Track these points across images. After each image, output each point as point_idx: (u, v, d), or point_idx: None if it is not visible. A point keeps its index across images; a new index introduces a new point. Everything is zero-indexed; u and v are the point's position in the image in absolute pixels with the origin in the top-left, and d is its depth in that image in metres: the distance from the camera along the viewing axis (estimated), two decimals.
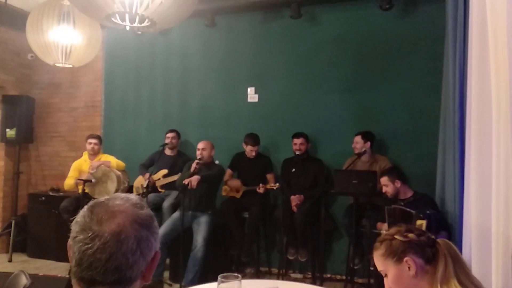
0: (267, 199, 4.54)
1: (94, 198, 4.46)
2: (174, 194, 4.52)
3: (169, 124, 5.07)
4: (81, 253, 0.85)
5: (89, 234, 0.85)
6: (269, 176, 4.52)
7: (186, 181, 3.97)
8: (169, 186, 4.60)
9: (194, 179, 3.99)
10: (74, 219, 0.90)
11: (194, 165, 4.09)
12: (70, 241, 0.89)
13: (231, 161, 4.66)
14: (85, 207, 0.91)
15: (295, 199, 4.17)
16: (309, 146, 4.41)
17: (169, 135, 4.80)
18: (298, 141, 4.32)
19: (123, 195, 0.93)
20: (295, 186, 4.30)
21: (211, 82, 5.09)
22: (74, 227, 0.89)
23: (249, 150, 4.45)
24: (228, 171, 4.60)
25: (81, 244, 0.85)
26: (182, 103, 5.19)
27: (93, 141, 4.71)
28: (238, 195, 4.48)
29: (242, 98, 4.91)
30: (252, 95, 4.88)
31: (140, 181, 4.76)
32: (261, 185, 4.26)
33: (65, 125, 5.75)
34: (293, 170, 4.35)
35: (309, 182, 4.31)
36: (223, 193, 4.60)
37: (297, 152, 4.30)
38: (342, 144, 4.45)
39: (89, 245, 0.84)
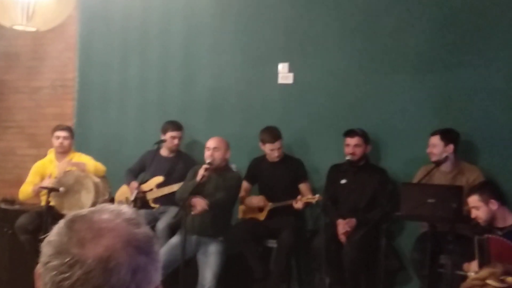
0: (303, 222, 4.53)
1: (63, 214, 4.59)
2: (172, 211, 4.56)
3: (167, 114, 5.11)
4: (56, 285, 0.85)
5: (67, 260, 0.85)
6: (303, 187, 4.51)
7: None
8: (166, 200, 4.65)
9: (200, 204, 4.06)
10: (44, 238, 0.91)
11: (202, 172, 4.12)
12: (40, 268, 0.88)
13: (248, 170, 4.66)
14: (62, 222, 0.91)
15: (343, 224, 4.16)
16: (369, 149, 4.40)
17: (173, 134, 4.82)
18: (352, 141, 4.31)
19: (113, 207, 0.94)
20: (345, 205, 4.30)
21: (227, 55, 5.10)
22: (47, 249, 0.88)
23: (269, 150, 4.45)
24: (244, 185, 4.57)
25: (55, 272, 0.85)
26: (185, 84, 5.22)
27: (62, 134, 4.77)
28: (261, 216, 4.49)
29: (270, 79, 4.91)
30: (284, 74, 4.88)
31: (125, 192, 4.83)
32: (299, 197, 4.26)
33: (24, 111, 5.86)
34: (343, 181, 4.35)
35: (365, 200, 4.30)
36: (240, 215, 4.62)
37: (350, 157, 4.28)
38: (413, 147, 4.41)
39: (67, 275, 0.84)
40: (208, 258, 4.13)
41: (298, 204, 4.25)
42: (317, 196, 4.22)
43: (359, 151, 4.31)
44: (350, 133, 4.35)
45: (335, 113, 4.72)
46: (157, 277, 0.92)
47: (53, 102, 5.75)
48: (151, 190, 4.74)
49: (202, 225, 4.20)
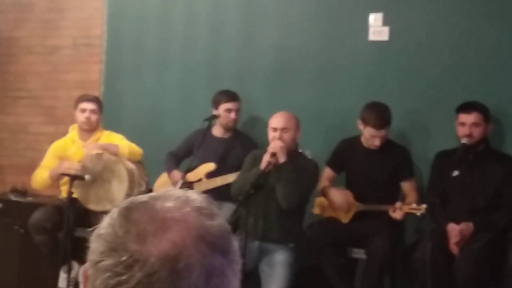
0: (400, 226, 4.50)
1: (88, 209, 4.70)
2: (227, 208, 4.51)
3: (220, 81, 5.15)
4: None
5: (124, 258, 0.88)
6: (407, 187, 4.47)
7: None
8: (218, 194, 4.56)
9: (279, 147, 4.08)
10: (93, 231, 0.94)
11: (267, 158, 4.14)
12: (88, 269, 0.92)
13: (334, 153, 4.66)
14: (115, 211, 0.95)
15: (456, 231, 4.09)
16: (490, 129, 4.31)
17: (229, 105, 4.83)
18: (468, 118, 4.23)
19: (179, 192, 0.98)
20: (458, 205, 4.25)
21: (298, 4, 5.08)
22: (97, 244, 0.93)
23: (370, 136, 4.42)
24: (327, 172, 4.58)
25: (109, 274, 0.88)
26: (243, 42, 5.23)
27: (89, 106, 4.83)
28: (345, 217, 4.48)
29: (357, 34, 4.88)
30: (377, 28, 4.83)
31: (166, 183, 4.88)
32: (398, 204, 4.17)
33: (38, 78, 5.96)
34: (455, 173, 4.27)
35: (486, 199, 4.23)
36: (316, 211, 4.63)
37: (466, 140, 4.22)
38: None
39: (124, 277, 0.87)
40: (274, 270, 4.13)
41: (396, 214, 4.18)
42: (423, 207, 4.12)
43: (477, 132, 4.23)
44: (465, 107, 4.27)
45: (447, 82, 4.66)
46: (236, 283, 0.94)
47: (75, 65, 5.82)
48: (199, 180, 4.78)
49: (267, 227, 4.21)
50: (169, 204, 0.94)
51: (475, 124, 4.21)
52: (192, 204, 0.95)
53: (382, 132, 4.37)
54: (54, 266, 4.55)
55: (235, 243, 0.97)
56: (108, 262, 0.89)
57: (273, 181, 4.16)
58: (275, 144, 4.13)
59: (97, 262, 0.90)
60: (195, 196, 0.98)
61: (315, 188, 4.42)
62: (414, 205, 4.16)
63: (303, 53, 5.06)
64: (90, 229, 0.96)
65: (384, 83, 4.82)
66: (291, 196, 4.13)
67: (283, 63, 5.13)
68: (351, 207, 4.46)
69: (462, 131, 4.23)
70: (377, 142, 4.40)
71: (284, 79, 5.12)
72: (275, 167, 4.15)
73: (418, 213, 4.13)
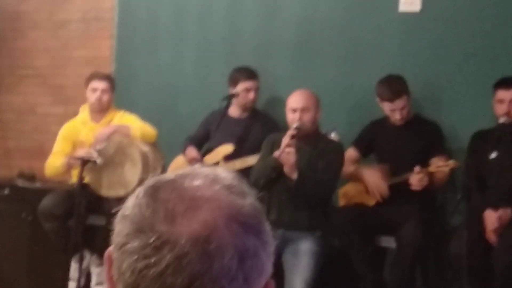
0: (433, 212, 4.47)
1: (100, 196, 4.72)
2: None
3: (238, 57, 5.13)
4: (137, 275, 0.89)
5: (152, 239, 0.88)
6: (437, 160, 4.40)
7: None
8: None
9: (289, 155, 4.02)
10: (117, 213, 0.95)
11: (286, 141, 4.10)
12: (113, 252, 0.93)
13: (361, 134, 4.66)
14: (141, 190, 0.96)
15: (494, 218, 4.03)
16: None
17: (247, 84, 4.79)
18: (507, 95, 4.17)
19: (207, 170, 0.98)
20: (497, 190, 4.17)
21: None
22: (123, 225, 0.93)
23: (389, 111, 4.41)
24: (350, 153, 4.57)
25: (136, 257, 0.89)
26: (263, 14, 5.19)
27: (101, 85, 4.83)
28: (371, 200, 4.46)
29: (386, 5, 4.83)
30: None
31: (181, 166, 4.84)
32: (417, 168, 4.16)
33: (46, 55, 5.96)
34: (493, 155, 4.21)
35: None
36: (342, 203, 4.64)
37: (504, 119, 4.15)
38: None
39: (153, 260, 0.87)
40: (298, 260, 4.11)
41: (415, 179, 4.15)
42: (451, 162, 4.12)
43: None
44: (504, 83, 4.21)
45: (483, 56, 4.58)
46: (269, 266, 0.95)
47: (84, 41, 5.82)
48: (217, 164, 4.75)
49: (291, 215, 4.18)
50: (198, 182, 0.94)
51: None
52: (221, 182, 0.95)
53: (398, 104, 4.35)
54: (65, 256, 4.57)
55: (267, 223, 0.97)
56: (134, 244, 0.89)
57: (300, 170, 4.11)
58: (286, 157, 4.06)
59: (123, 244, 0.91)
60: (224, 173, 0.98)
61: (342, 167, 4.39)
62: (440, 163, 4.18)
63: (327, 26, 5.01)
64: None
65: (415, 58, 4.75)
66: (322, 186, 4.20)
67: (306, 37, 5.09)
68: (383, 180, 4.43)
69: (500, 109, 4.17)
70: (397, 116, 4.38)
71: (307, 54, 5.08)
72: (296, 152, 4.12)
73: (447, 170, 4.16)
